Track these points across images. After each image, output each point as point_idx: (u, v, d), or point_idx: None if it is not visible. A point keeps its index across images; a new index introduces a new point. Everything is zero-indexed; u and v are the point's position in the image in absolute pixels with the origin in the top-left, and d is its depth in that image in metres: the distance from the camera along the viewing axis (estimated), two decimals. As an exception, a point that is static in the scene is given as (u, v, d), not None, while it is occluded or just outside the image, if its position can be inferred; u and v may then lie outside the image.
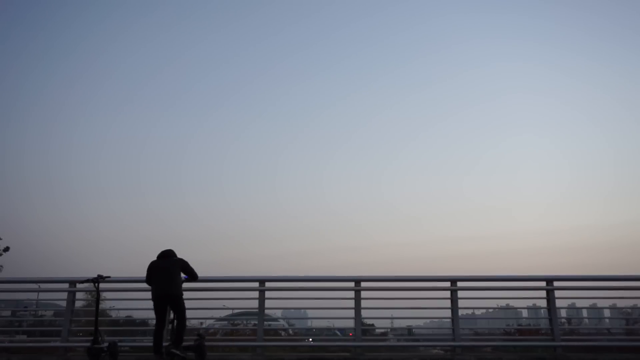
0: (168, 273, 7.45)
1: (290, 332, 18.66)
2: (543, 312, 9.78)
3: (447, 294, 8.77)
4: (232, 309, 13.61)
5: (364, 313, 8.86)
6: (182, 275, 7.66)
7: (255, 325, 9.21)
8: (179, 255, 7.73)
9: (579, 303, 11.05)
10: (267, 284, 8.80)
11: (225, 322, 14.63)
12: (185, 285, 7.80)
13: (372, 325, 14.04)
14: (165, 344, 7.43)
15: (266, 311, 9.69)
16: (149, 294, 9.26)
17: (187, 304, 7.56)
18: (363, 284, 8.80)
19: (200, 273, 7.70)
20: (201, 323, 13.72)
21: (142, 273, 7.69)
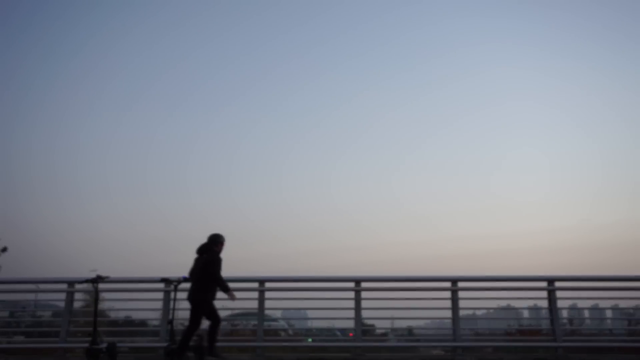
0: (194, 274, 7.28)
1: (290, 332, 18.62)
2: (544, 313, 9.74)
3: (448, 294, 8.74)
4: (232, 309, 13.56)
5: (364, 313, 8.82)
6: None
7: (255, 325, 9.17)
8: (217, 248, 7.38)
9: (581, 303, 11.03)
10: (267, 284, 8.76)
11: (225, 322, 14.57)
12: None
13: (373, 325, 13.99)
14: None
15: (266, 311, 9.65)
16: (148, 294, 9.22)
17: (188, 304, 7.46)
18: (363, 284, 8.77)
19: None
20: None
21: (147, 273, 7.65)
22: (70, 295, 8.79)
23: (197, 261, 7.35)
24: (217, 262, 7.21)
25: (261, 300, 8.74)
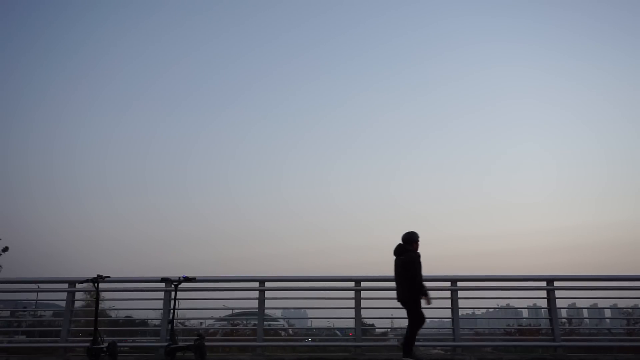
0: (397, 275, 7.28)
1: (290, 332, 18.65)
2: (543, 312, 9.77)
3: (448, 293, 8.76)
4: (232, 309, 13.59)
5: (364, 313, 8.84)
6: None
7: (255, 325, 9.19)
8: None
9: (580, 303, 11.04)
10: (267, 284, 8.77)
11: (225, 322, 14.60)
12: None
13: (372, 325, 14.01)
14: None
15: (266, 311, 9.67)
16: (148, 294, 9.21)
17: (188, 304, 7.50)
18: (363, 284, 8.78)
19: (202, 273, 7.64)
20: (201, 323, 13.71)
21: (146, 273, 7.64)
22: (71, 295, 8.81)
23: (395, 263, 7.35)
24: (416, 263, 7.21)
25: (261, 300, 8.76)
